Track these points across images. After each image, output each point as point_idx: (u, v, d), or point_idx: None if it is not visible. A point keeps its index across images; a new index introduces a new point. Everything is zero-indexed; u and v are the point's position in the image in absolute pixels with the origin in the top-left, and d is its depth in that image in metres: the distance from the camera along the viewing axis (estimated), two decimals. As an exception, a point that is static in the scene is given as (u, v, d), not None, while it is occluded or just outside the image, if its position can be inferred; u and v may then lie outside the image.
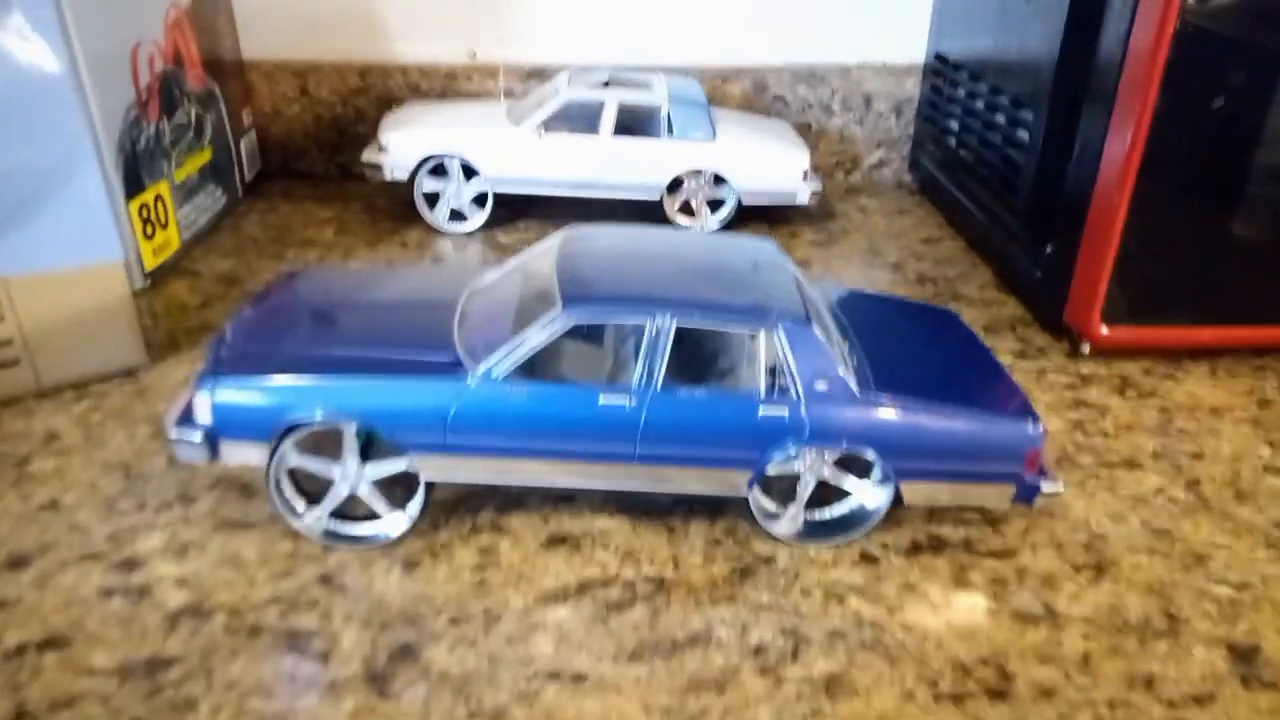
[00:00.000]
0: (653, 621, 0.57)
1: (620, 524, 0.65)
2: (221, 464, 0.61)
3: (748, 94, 1.33)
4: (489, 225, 1.14)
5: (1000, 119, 1.01)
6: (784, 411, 0.59)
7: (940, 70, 1.20)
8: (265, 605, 0.58)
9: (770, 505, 0.64)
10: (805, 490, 0.63)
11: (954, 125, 1.16)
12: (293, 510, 0.61)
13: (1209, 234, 0.84)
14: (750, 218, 1.18)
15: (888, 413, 0.59)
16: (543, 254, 0.67)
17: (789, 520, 0.64)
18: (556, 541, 0.64)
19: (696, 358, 0.62)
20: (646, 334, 0.58)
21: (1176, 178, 0.80)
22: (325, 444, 0.61)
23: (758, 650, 0.56)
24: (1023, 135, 0.95)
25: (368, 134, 1.24)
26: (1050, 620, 0.59)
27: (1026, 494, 0.61)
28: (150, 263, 0.99)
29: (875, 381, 0.60)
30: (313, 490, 0.62)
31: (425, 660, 0.54)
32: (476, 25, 1.28)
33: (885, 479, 0.62)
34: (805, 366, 0.58)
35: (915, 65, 1.30)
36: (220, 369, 0.59)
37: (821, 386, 0.58)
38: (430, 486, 0.62)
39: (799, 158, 1.14)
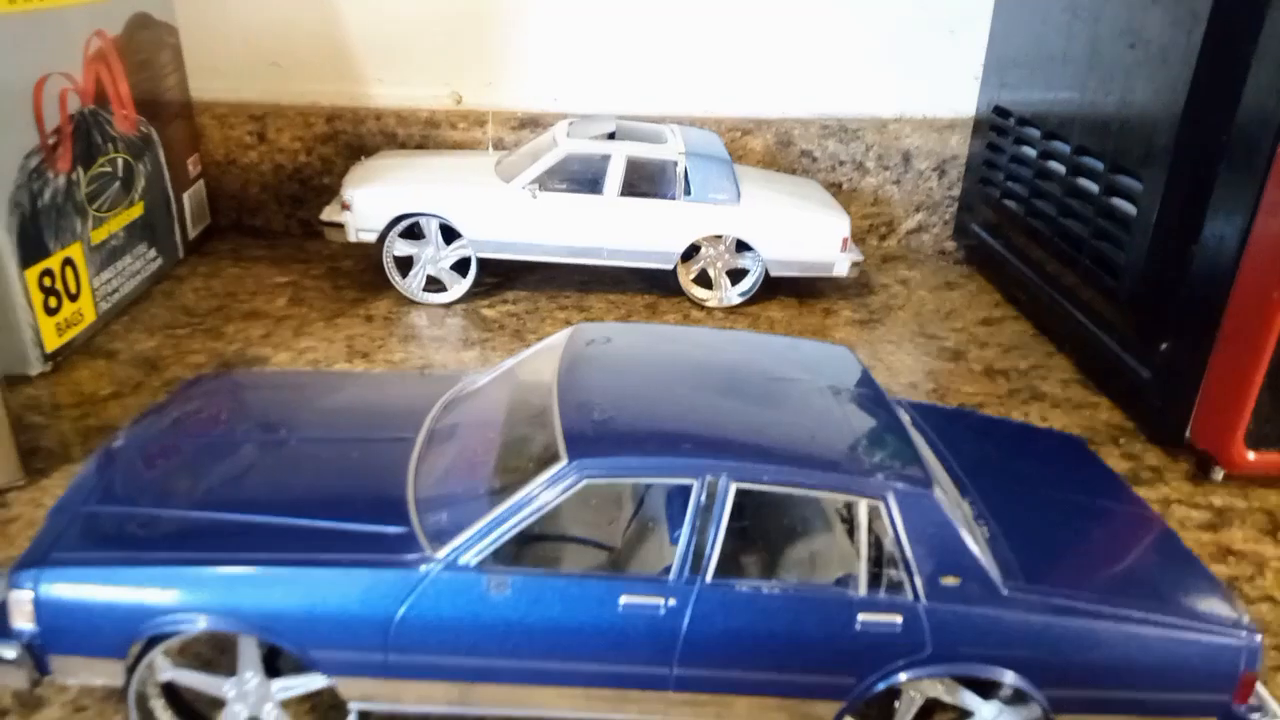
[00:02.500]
0: None
1: (642, 753, 0.46)
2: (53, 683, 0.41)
3: (770, 148, 1.18)
4: (471, 296, 0.98)
5: (1090, 185, 0.84)
6: (895, 619, 0.40)
7: (1000, 125, 1.04)
8: None
9: (857, 730, 0.45)
10: (909, 711, 0.44)
11: (1019, 189, 0.99)
12: (163, 746, 0.42)
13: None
14: (775, 289, 1.01)
15: (1045, 620, 0.40)
16: (539, 363, 0.48)
17: (883, 752, 0.45)
18: (551, 780, 0.44)
19: (758, 534, 0.43)
20: (693, 499, 0.39)
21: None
22: (216, 644, 0.42)
23: None
24: (1125, 206, 0.78)
25: (334, 186, 1.09)
26: None
27: (1234, 732, 0.43)
28: (52, 342, 0.81)
29: (1021, 567, 0.42)
30: (198, 701, 0.43)
31: None
32: (462, 66, 1.14)
33: (1023, 700, 0.43)
34: (926, 551, 0.39)
35: (962, 118, 1.15)
36: (54, 549, 0.39)
37: (950, 582, 0.40)
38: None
39: (838, 223, 0.98)
